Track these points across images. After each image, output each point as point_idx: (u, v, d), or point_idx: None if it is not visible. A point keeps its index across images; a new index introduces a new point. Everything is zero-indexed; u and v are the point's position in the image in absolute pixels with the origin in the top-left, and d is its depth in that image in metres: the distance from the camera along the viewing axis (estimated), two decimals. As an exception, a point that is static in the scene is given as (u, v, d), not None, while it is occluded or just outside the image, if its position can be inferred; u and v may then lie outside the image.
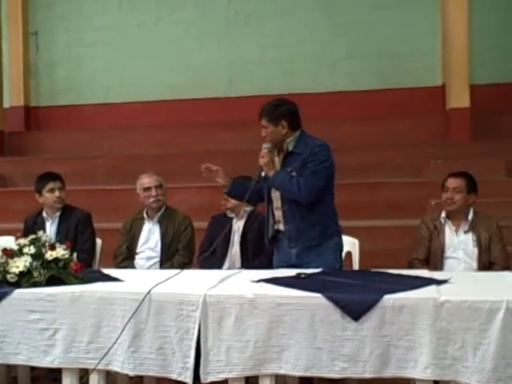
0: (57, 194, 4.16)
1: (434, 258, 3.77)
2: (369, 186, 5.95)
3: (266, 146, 3.40)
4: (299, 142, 3.38)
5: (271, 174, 3.34)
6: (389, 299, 2.53)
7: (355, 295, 2.60)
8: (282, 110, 3.39)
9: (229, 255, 4.05)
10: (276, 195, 3.43)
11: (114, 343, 2.69)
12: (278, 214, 3.43)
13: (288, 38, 8.05)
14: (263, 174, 3.41)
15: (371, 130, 7.05)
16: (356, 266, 3.79)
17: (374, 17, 7.85)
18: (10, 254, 2.98)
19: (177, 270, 3.15)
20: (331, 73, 7.97)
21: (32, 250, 2.97)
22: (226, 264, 4.02)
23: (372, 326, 2.51)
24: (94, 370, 2.74)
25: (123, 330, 2.69)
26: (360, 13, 7.89)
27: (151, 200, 4.13)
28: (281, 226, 3.44)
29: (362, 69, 7.85)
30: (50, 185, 4.17)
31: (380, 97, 7.62)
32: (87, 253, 4.07)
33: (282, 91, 7.50)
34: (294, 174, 3.31)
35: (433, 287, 2.70)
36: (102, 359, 2.72)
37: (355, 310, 2.53)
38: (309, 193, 3.28)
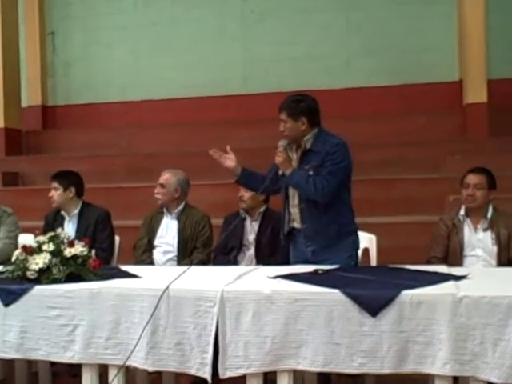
0: (50, 193, 4.21)
1: (453, 257, 3.72)
2: (386, 182, 5.92)
3: (281, 144, 3.36)
4: (317, 139, 3.36)
5: (288, 172, 3.32)
6: (407, 295, 2.51)
7: (373, 291, 2.59)
8: (304, 105, 3.36)
9: (244, 257, 4.05)
10: (293, 193, 3.42)
11: (138, 342, 2.71)
12: (295, 211, 3.42)
13: (303, 35, 8.04)
14: (280, 172, 3.38)
15: (388, 127, 7.02)
16: (373, 262, 3.78)
17: (389, 12, 7.82)
18: (29, 251, 3.02)
19: (193, 267, 3.16)
20: (347, 69, 7.95)
21: (51, 247, 3.00)
22: (242, 265, 4.03)
23: (390, 322, 2.50)
24: (121, 367, 2.76)
25: (145, 328, 2.70)
26: (375, 9, 7.86)
27: (154, 196, 4.18)
28: (296, 224, 3.43)
29: (378, 65, 7.82)
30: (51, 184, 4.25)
31: (396, 93, 7.58)
32: (106, 251, 4.09)
33: (297, 88, 7.46)
34: (311, 172, 3.29)
35: (451, 283, 2.68)
36: (127, 359, 2.74)
37: (373, 306, 2.52)
38: (325, 193, 3.26)
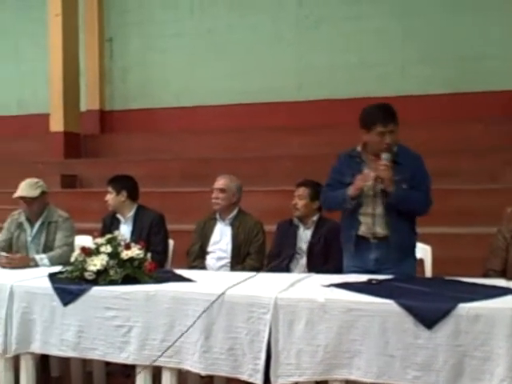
0: (106, 197, 4.36)
1: (512, 270, 3.63)
2: (442, 192, 5.75)
3: (386, 157, 3.20)
4: (397, 150, 3.32)
5: (391, 188, 3.19)
6: (463, 308, 2.47)
7: (428, 303, 2.55)
8: None
9: (297, 264, 4.04)
10: (368, 201, 3.31)
11: (179, 337, 2.75)
12: (366, 220, 3.33)
13: (358, 42, 7.97)
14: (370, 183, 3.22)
15: (444, 136, 6.87)
16: (428, 273, 3.71)
17: (446, 20, 7.66)
18: (88, 252, 3.10)
19: (250, 273, 3.18)
20: (402, 77, 7.83)
21: (109, 249, 3.08)
22: (295, 273, 4.01)
23: (446, 335, 2.46)
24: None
25: (190, 327, 2.74)
26: (431, 16, 7.72)
27: (212, 201, 4.19)
28: (360, 232, 3.34)
29: (434, 73, 7.66)
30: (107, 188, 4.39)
31: (453, 101, 7.43)
32: (160, 254, 4.14)
33: (351, 95, 7.48)
34: (404, 186, 3.24)
35: (510, 297, 2.61)
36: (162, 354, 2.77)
37: (428, 318, 2.48)
38: (427, 207, 3.32)
